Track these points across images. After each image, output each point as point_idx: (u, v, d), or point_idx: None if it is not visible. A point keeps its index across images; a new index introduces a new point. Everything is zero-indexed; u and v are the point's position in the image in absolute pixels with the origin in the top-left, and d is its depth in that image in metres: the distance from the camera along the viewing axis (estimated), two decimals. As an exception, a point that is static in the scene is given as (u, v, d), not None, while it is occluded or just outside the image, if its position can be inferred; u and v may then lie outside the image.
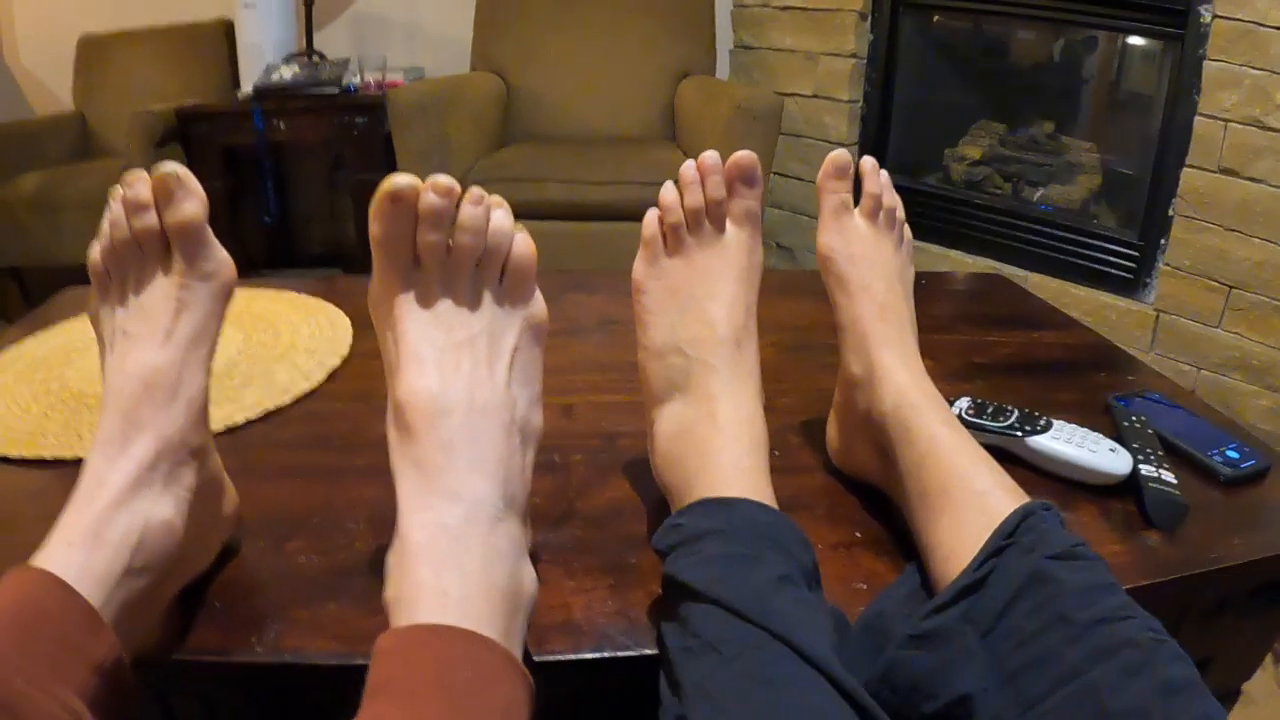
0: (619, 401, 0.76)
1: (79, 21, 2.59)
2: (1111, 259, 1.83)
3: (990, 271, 1.64)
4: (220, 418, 0.72)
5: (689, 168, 0.57)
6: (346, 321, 0.92)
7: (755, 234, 0.59)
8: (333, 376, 0.81)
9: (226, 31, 2.47)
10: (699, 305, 0.55)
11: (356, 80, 2.23)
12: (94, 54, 2.58)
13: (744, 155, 0.57)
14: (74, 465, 0.67)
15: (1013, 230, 2.00)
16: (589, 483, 0.65)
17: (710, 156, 0.57)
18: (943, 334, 0.93)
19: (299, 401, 0.77)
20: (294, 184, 2.73)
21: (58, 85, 2.69)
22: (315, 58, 2.30)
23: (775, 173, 2.36)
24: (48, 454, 0.68)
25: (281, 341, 0.88)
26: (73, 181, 2.29)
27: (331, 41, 2.51)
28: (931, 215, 2.12)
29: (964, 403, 0.69)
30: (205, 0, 2.53)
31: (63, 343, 0.89)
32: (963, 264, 2.03)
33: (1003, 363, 0.87)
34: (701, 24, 2.44)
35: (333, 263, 2.77)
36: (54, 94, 2.73)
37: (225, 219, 2.35)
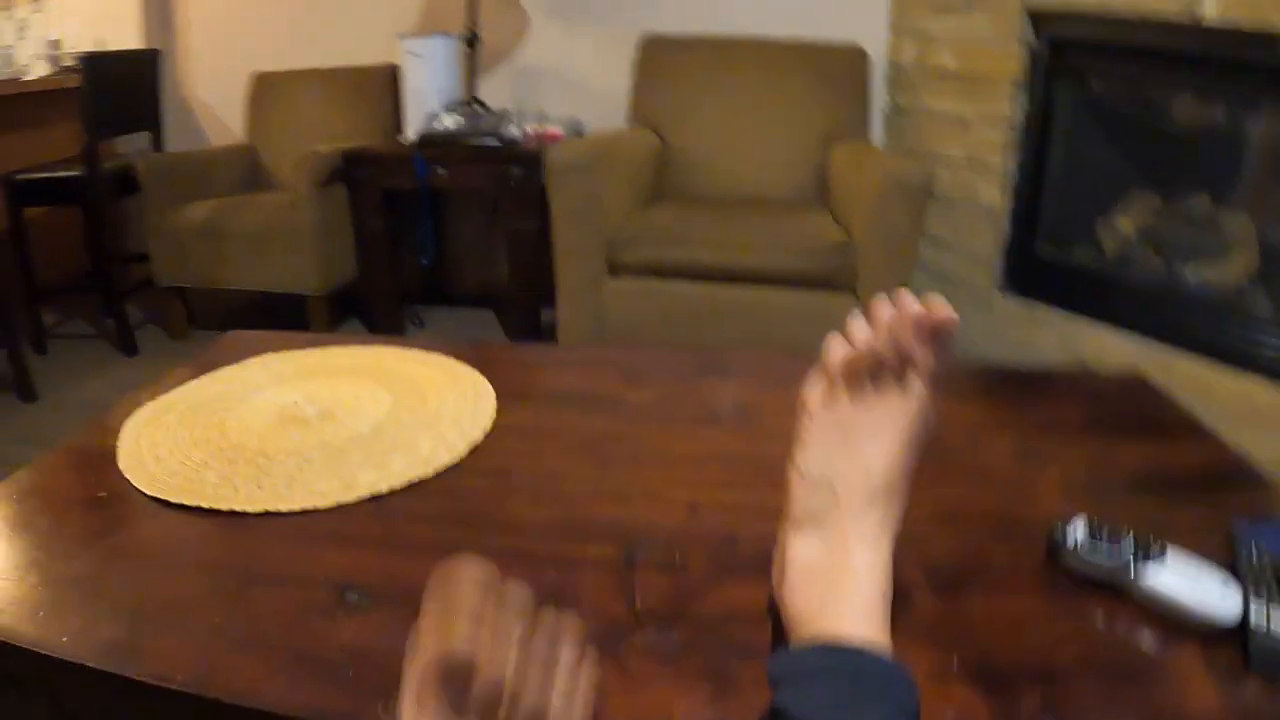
0: (745, 502, 0.75)
1: (254, 60, 2.87)
2: (1266, 344, 1.74)
3: (1134, 356, 1.54)
4: (367, 484, 0.76)
5: (884, 309, 0.57)
6: (491, 392, 0.95)
7: (935, 395, 0.58)
8: (474, 450, 0.84)
9: (391, 76, 2.68)
10: (860, 449, 0.57)
11: (515, 131, 2.38)
12: (266, 91, 2.84)
13: (944, 315, 0.55)
14: (228, 515, 0.74)
15: (1163, 307, 1.92)
16: (705, 585, 0.65)
17: (909, 307, 0.56)
18: (1070, 442, 0.88)
19: (440, 475, 0.79)
20: (451, 225, 2.90)
21: (232, 118, 3.02)
22: (477, 106, 2.47)
23: (923, 236, 2.35)
24: (205, 504, 0.73)
25: (428, 408, 0.91)
26: (239, 212, 2.53)
27: (492, 90, 2.68)
28: (1081, 289, 2.06)
29: (1079, 527, 0.66)
30: (373, 46, 2.75)
31: (223, 390, 0.95)
32: (1109, 341, 1.95)
33: (1129, 477, 0.82)
34: (855, 84, 2.47)
35: (485, 302, 2.91)
36: (228, 126, 3.06)
37: (385, 258, 2.56)
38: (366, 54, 2.79)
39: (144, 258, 2.66)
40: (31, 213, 2.61)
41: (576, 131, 2.50)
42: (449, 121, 2.31)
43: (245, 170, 2.83)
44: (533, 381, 1.05)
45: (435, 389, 0.96)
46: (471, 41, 2.55)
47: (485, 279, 2.94)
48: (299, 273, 2.44)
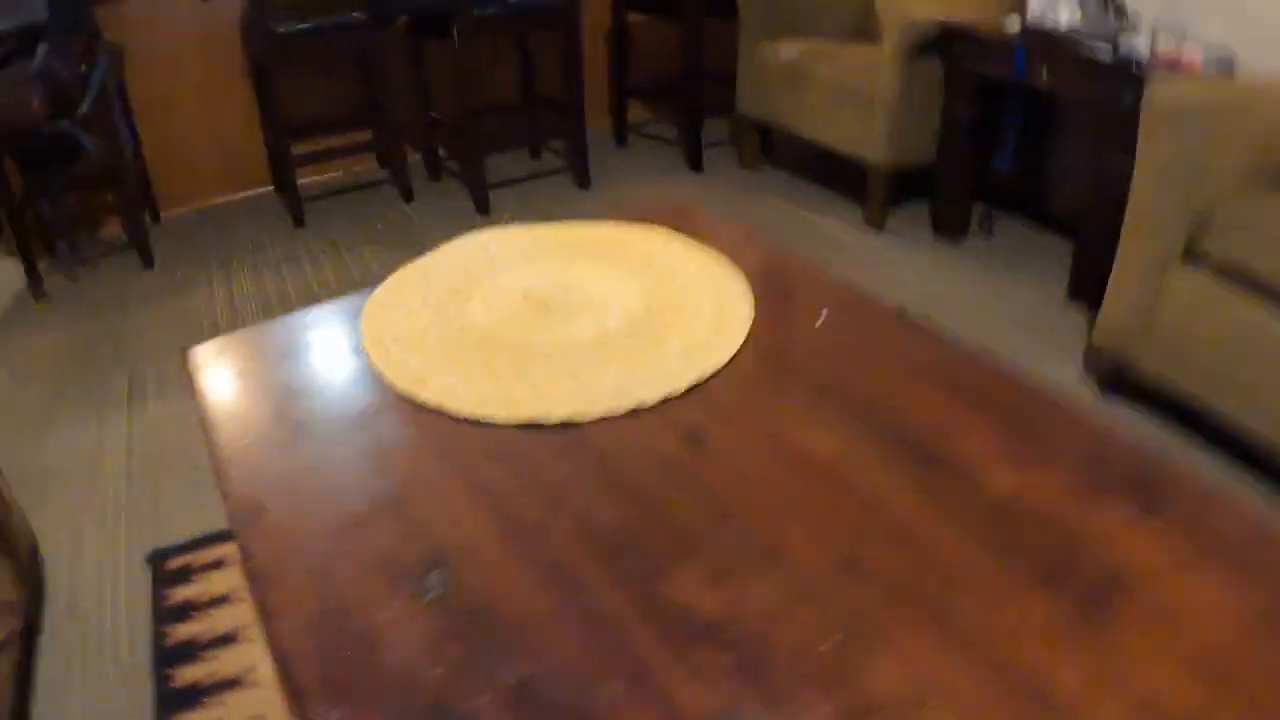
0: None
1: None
2: None
3: None
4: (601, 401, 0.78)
5: None
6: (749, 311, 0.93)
7: None
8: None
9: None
10: None
11: (1141, 46, 1.91)
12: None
13: None
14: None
15: None
16: None
17: None
18: None
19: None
20: (1051, 135, 2.53)
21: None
22: (1110, 6, 2.03)
23: None
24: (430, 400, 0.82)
25: (681, 316, 0.92)
26: (824, 61, 2.53)
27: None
28: None
29: None
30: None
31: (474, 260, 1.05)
32: None
33: None
34: None
35: (1068, 231, 2.50)
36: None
37: (963, 149, 2.36)
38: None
39: (733, 79, 2.85)
40: (635, 18, 2.95)
41: (1222, 67, 1.90)
42: (1064, 15, 1.94)
43: (857, 16, 2.77)
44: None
45: (695, 293, 0.97)
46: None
47: (1073, 207, 2.54)
48: (867, 139, 2.39)
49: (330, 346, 0.97)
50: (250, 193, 3.08)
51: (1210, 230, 1.56)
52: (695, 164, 3.00)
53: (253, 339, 1.01)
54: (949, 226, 2.43)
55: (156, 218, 2.99)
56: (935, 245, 2.42)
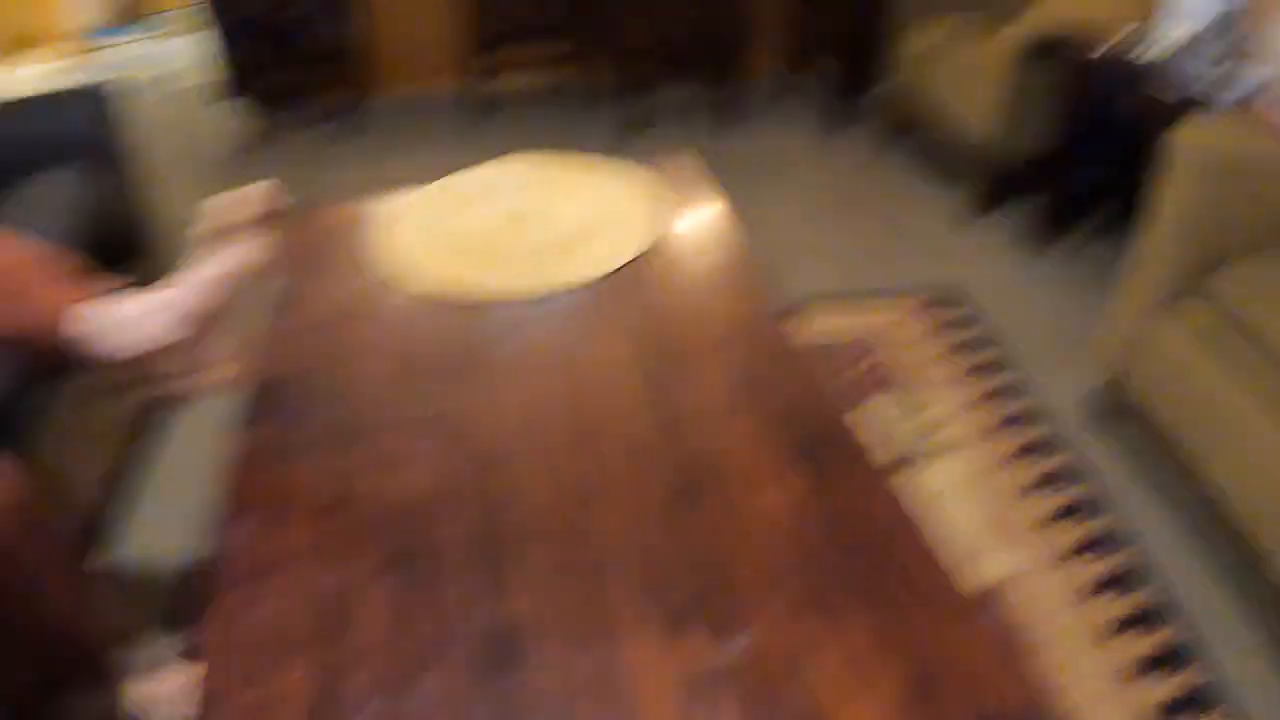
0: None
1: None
2: None
3: None
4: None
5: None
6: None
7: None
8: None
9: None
10: None
11: (1242, 86, 1.80)
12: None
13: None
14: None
15: None
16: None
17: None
18: None
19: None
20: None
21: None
22: (1231, 36, 1.90)
23: None
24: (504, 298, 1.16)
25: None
26: (965, 43, 2.54)
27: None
28: None
29: None
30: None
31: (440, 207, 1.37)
32: None
33: None
34: None
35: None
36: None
37: (1071, 167, 2.33)
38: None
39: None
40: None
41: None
42: (1178, 36, 1.90)
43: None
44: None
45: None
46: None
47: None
48: (980, 125, 2.41)
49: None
50: (458, 84, 3.53)
51: (1216, 278, 1.54)
52: (840, 126, 3.10)
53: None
54: (1039, 231, 2.41)
55: (376, 94, 3.52)
56: (1020, 245, 2.41)
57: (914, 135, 2.98)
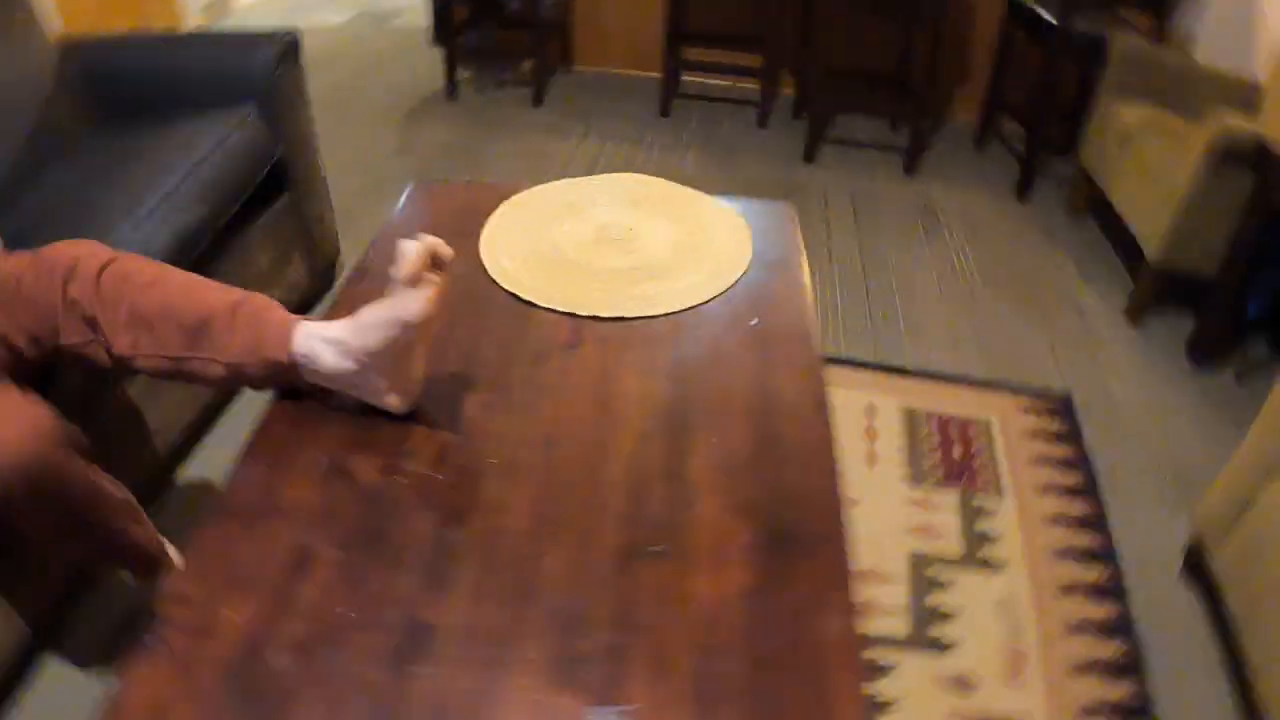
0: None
1: None
2: None
3: None
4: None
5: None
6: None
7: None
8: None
9: None
10: None
11: None
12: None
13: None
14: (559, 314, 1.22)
15: None
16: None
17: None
18: None
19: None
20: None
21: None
22: None
23: None
24: (540, 301, 1.25)
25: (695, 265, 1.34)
26: (1156, 136, 2.34)
27: None
28: None
29: None
30: None
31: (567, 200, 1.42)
32: None
33: None
34: None
35: None
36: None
37: (1246, 288, 2.15)
38: None
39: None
40: (1022, 34, 2.87)
41: None
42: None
43: (1243, 96, 2.48)
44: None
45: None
46: None
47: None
48: (1153, 226, 2.24)
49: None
50: (645, 74, 3.63)
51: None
52: (1021, 192, 2.95)
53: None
54: (1200, 351, 2.22)
55: (567, 69, 3.67)
56: (1175, 360, 2.23)
57: (1091, 220, 2.80)
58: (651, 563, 0.89)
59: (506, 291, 1.29)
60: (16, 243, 1.58)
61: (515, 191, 1.54)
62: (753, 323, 1.26)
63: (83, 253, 1.14)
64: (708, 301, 1.29)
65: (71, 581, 1.49)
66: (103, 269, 1.12)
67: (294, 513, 0.95)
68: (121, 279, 1.11)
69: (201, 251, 1.68)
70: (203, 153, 1.69)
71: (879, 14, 3.14)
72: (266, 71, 1.88)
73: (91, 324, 1.11)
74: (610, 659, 0.80)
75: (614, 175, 1.61)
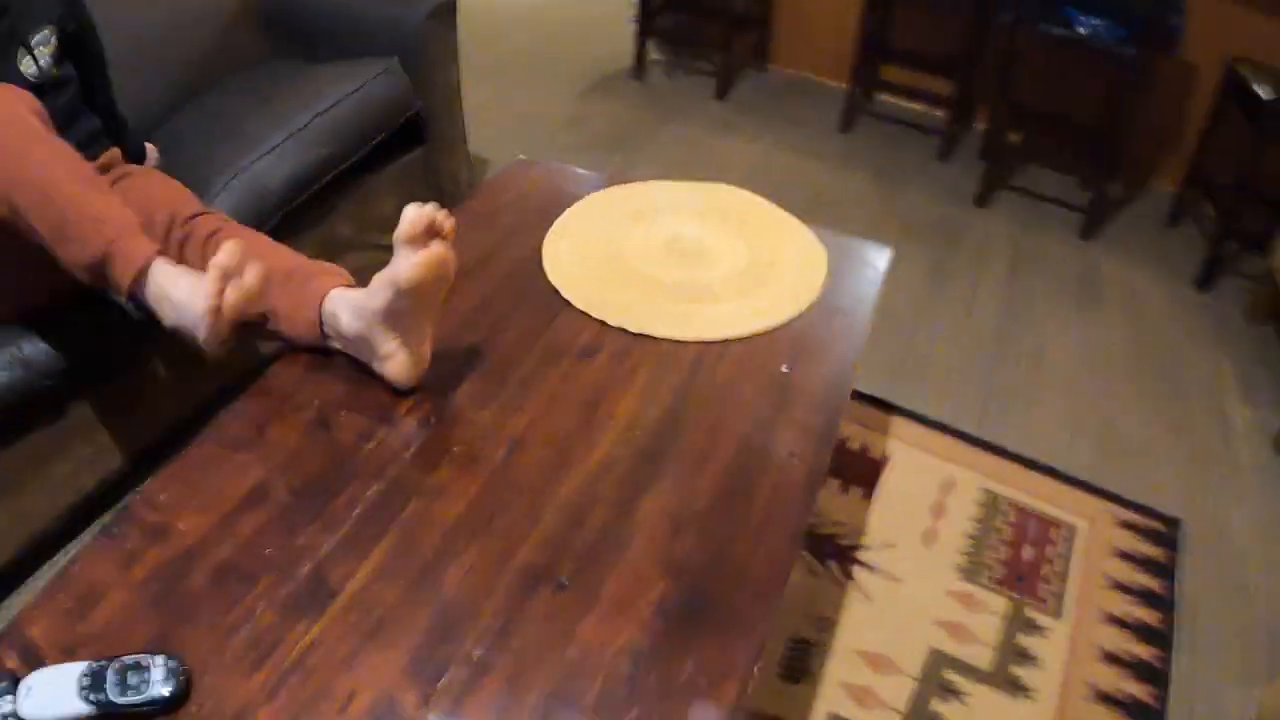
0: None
1: None
2: None
3: None
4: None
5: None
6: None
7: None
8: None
9: None
10: None
11: None
12: None
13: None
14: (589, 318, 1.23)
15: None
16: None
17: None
18: None
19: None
20: None
21: None
22: None
23: None
24: (575, 301, 1.26)
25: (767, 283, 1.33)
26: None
27: None
28: None
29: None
30: None
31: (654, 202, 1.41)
32: None
33: None
34: None
35: None
36: None
37: None
38: None
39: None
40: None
41: None
42: None
43: None
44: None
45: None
46: None
47: None
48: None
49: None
50: (838, 85, 3.52)
51: None
52: (1201, 282, 2.64)
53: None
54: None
55: (761, 66, 3.62)
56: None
57: (1271, 330, 2.47)
58: (552, 592, 0.89)
59: (549, 283, 1.31)
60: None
61: (616, 183, 1.55)
62: (783, 369, 1.21)
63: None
64: (746, 337, 1.26)
65: (171, 423, 1.63)
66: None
67: (268, 452, 1.02)
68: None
69: (321, 188, 1.80)
70: (337, 96, 1.82)
71: (1087, 61, 2.87)
72: (415, 26, 1.97)
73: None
74: (469, 672, 0.81)
75: (713, 185, 1.58)
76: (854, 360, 1.26)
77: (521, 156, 1.65)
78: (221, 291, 0.99)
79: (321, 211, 1.83)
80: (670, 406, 1.12)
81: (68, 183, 1.09)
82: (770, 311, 1.29)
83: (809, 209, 2.35)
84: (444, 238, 1.03)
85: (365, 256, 1.97)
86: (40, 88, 1.30)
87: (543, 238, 1.41)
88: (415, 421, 1.07)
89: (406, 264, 1.00)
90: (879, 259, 1.46)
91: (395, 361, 1.07)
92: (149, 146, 1.82)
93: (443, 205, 1.03)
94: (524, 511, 0.97)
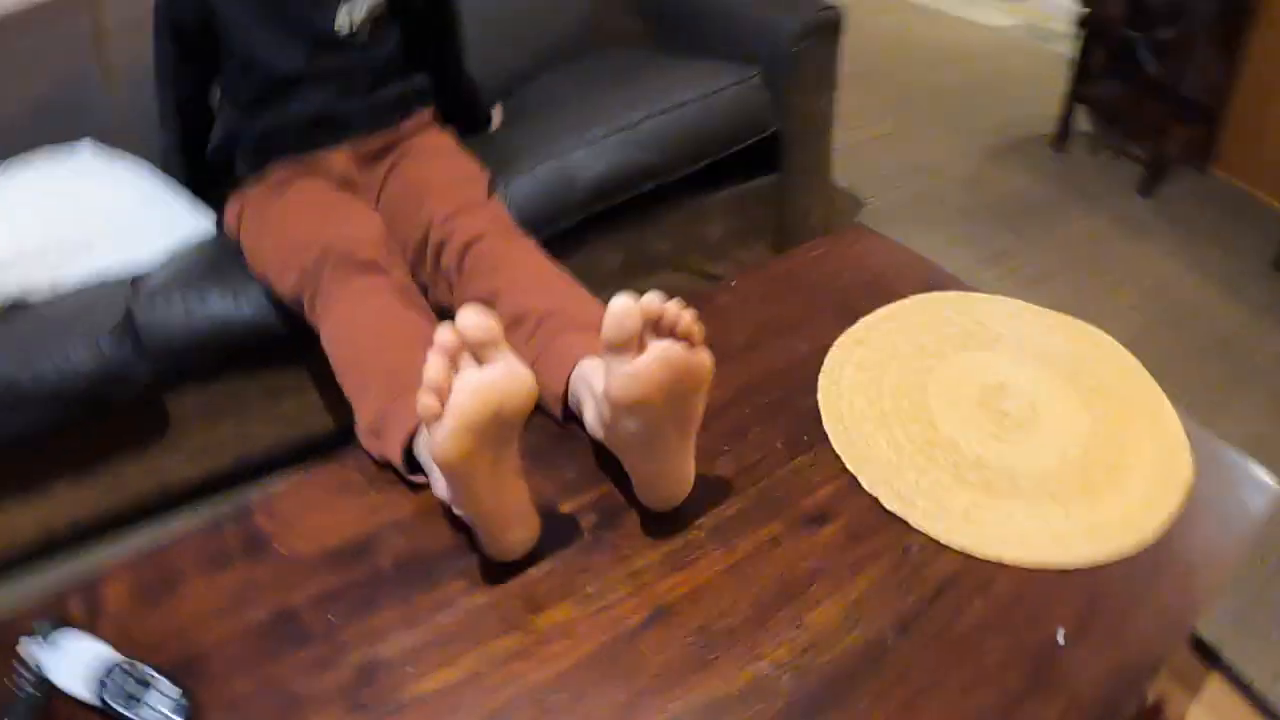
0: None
1: None
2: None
3: None
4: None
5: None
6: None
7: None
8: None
9: None
10: None
11: None
12: None
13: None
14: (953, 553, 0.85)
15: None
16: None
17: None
18: None
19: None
20: None
21: None
22: None
23: None
24: (914, 522, 0.88)
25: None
26: None
27: None
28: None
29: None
30: None
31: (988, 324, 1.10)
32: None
33: None
34: None
35: None
36: None
37: None
38: None
39: None
40: None
41: None
42: None
43: None
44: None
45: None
46: None
47: None
48: None
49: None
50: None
51: None
52: None
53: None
54: None
55: (1201, 166, 2.95)
56: None
57: None
58: None
59: (814, 401, 1.04)
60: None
61: (955, 287, 1.24)
62: (1058, 637, 0.85)
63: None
64: (1028, 567, 0.90)
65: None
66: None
67: (404, 500, 0.90)
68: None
69: (640, 195, 1.67)
70: (678, 100, 1.65)
71: None
72: (784, 40, 1.75)
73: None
74: None
75: (1079, 325, 1.19)
76: (1164, 656, 0.86)
77: (863, 214, 1.37)
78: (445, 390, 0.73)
79: (637, 219, 1.70)
80: (878, 639, 0.82)
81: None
82: (1076, 539, 0.92)
83: (1200, 364, 1.86)
84: (680, 337, 0.77)
85: (680, 279, 1.82)
86: (344, 43, 1.30)
87: (836, 338, 1.14)
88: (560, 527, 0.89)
89: (615, 375, 0.77)
90: (1259, 496, 1.00)
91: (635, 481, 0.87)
92: (495, 110, 1.82)
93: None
94: (616, 710, 0.75)
